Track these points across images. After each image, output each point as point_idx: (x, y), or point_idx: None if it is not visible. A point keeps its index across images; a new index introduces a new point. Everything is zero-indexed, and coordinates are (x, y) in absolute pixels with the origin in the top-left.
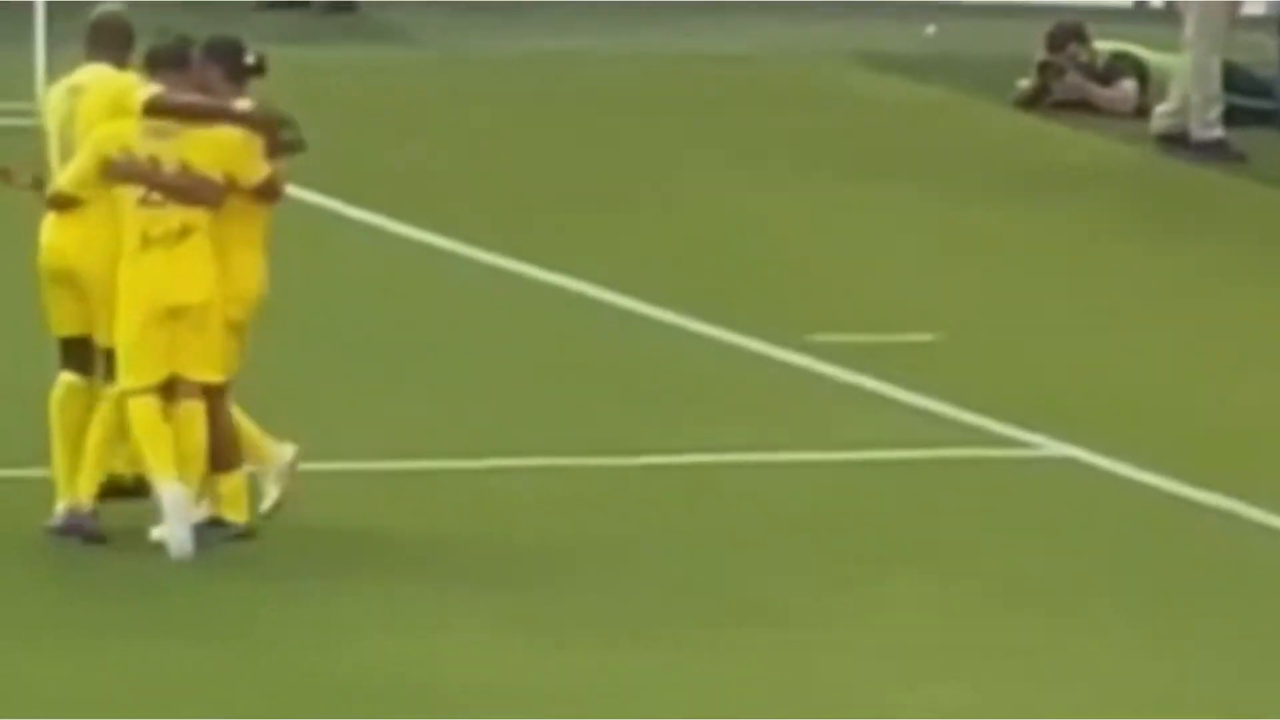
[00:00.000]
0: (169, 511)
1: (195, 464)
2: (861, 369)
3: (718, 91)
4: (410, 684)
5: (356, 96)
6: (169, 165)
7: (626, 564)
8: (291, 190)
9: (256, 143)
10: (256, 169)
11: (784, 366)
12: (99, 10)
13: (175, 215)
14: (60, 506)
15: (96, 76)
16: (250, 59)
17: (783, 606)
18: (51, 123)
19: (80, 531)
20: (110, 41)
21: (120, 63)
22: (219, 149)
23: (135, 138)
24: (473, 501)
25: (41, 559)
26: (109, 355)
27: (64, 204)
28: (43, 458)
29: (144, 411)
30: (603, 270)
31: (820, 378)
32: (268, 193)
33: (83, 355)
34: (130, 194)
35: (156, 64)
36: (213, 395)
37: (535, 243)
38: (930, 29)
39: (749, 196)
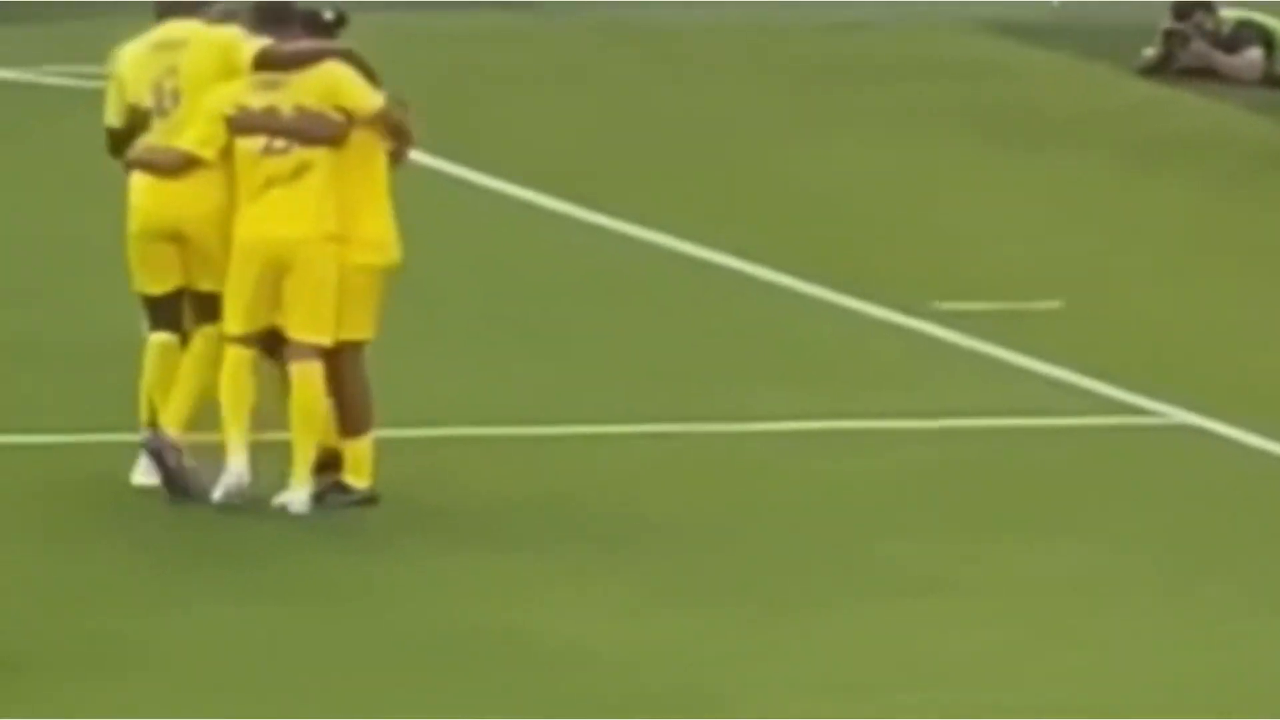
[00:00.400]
0: (226, 472)
1: (307, 426)
2: (988, 337)
3: (842, 58)
4: (525, 646)
5: (490, 64)
6: (285, 112)
7: (750, 531)
8: (421, 157)
9: (363, 76)
10: (370, 99)
11: (910, 334)
12: None
13: (294, 156)
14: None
15: (194, 33)
16: (329, 14)
17: (907, 575)
18: (140, 80)
19: (157, 455)
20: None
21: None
22: (328, 87)
23: (247, 92)
24: (594, 467)
25: (152, 523)
26: (202, 302)
27: (188, 166)
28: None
29: (235, 363)
30: (729, 238)
31: (947, 345)
32: (385, 126)
33: (174, 313)
34: (253, 146)
35: (263, 19)
36: (342, 357)
37: (662, 210)
38: None
39: (875, 164)
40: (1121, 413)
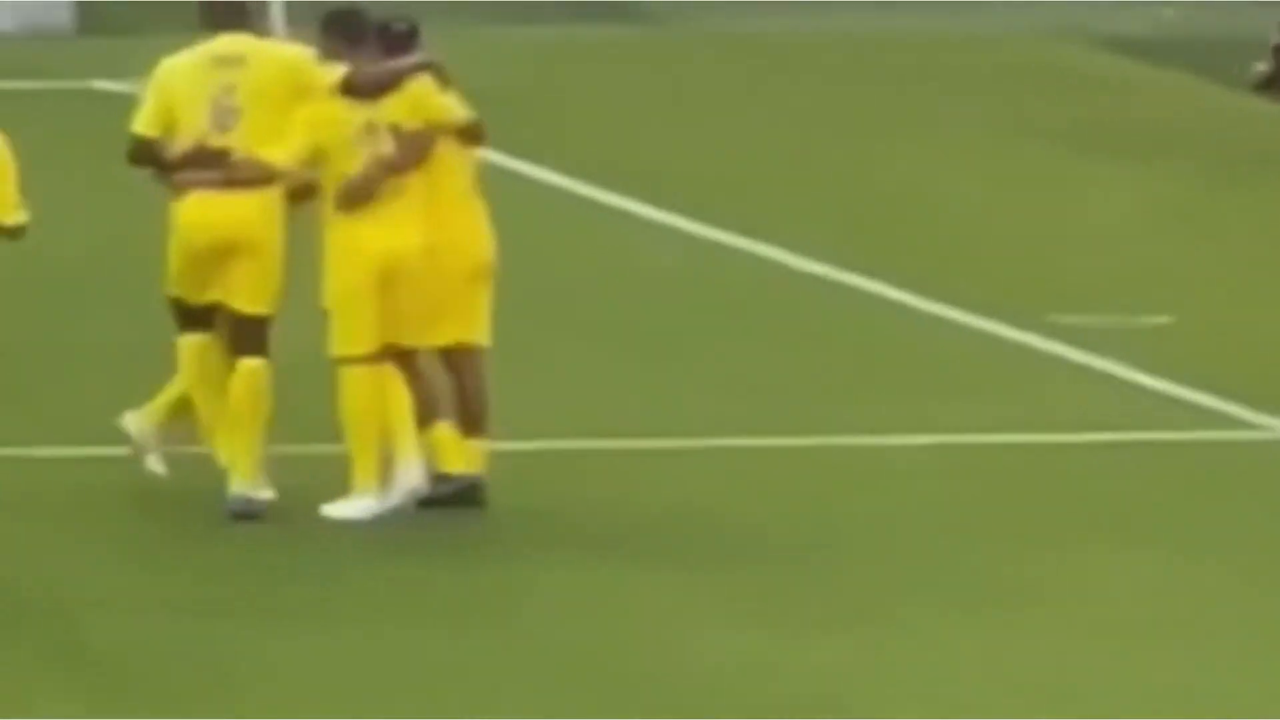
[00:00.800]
0: (352, 503)
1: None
2: (1100, 350)
3: (954, 71)
4: (650, 658)
5: (599, 75)
6: (382, 130)
7: (863, 544)
8: (529, 169)
9: (446, 88)
10: (456, 111)
11: (1023, 347)
12: None
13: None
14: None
15: (253, 49)
16: (402, 26)
17: (1018, 585)
18: (195, 96)
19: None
20: (236, 11)
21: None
22: (416, 103)
23: (344, 114)
24: (717, 479)
25: (277, 543)
26: (247, 326)
27: (268, 180)
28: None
29: (359, 385)
30: (841, 251)
31: (1059, 359)
32: (473, 134)
33: (209, 318)
34: (356, 164)
35: (337, 35)
36: (460, 361)
37: (772, 223)
38: (1167, 11)
39: (986, 177)
40: (1229, 427)
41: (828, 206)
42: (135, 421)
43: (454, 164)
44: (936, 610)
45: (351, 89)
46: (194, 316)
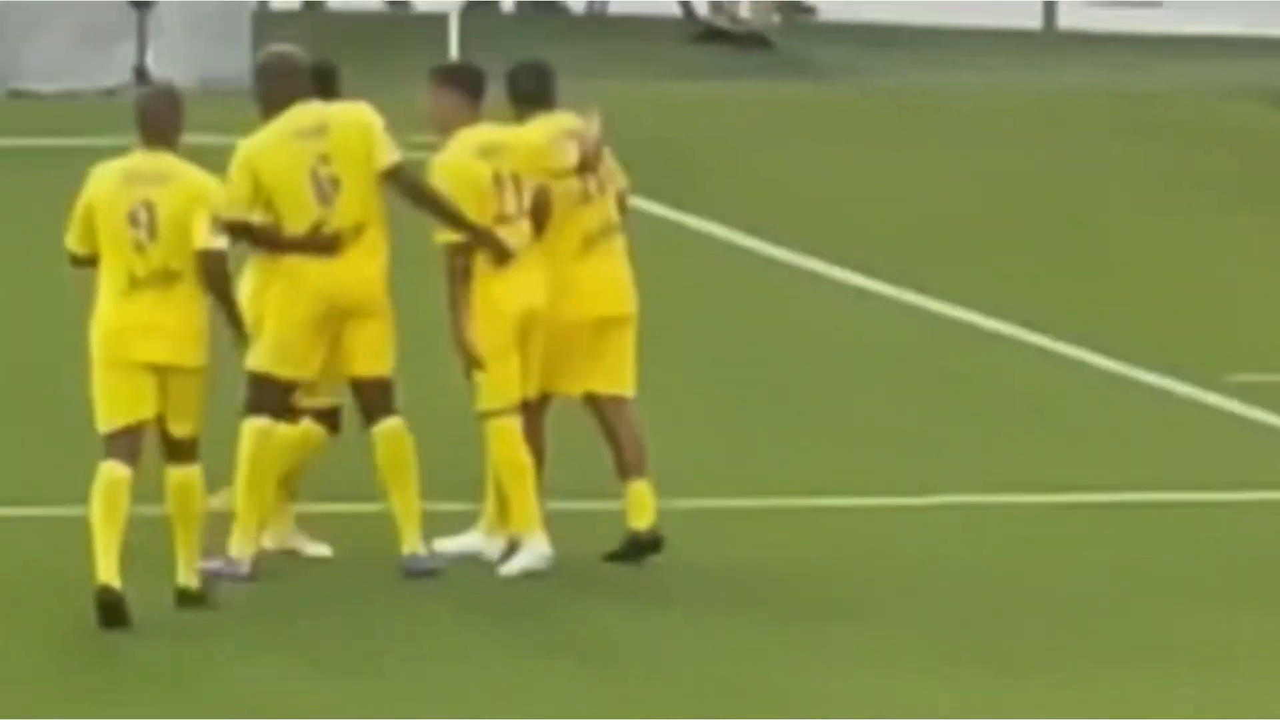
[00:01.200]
0: (526, 552)
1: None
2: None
3: (1132, 128)
4: (807, 709)
5: (768, 130)
6: (508, 182)
7: (1038, 601)
8: (700, 224)
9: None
10: (570, 155)
11: (1202, 406)
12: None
13: (526, 224)
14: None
15: (332, 113)
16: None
17: (1189, 642)
18: (294, 168)
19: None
20: (331, 76)
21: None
22: (538, 152)
23: (478, 169)
24: (887, 537)
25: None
26: (376, 388)
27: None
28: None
29: (510, 436)
30: (1019, 308)
31: (1239, 418)
32: (585, 167)
33: (290, 397)
34: (492, 217)
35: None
36: (603, 409)
37: (946, 278)
38: None
39: (1165, 234)
40: None
41: (1006, 264)
42: (271, 538)
43: (568, 209)
44: (1104, 663)
45: (587, 165)
46: (278, 395)
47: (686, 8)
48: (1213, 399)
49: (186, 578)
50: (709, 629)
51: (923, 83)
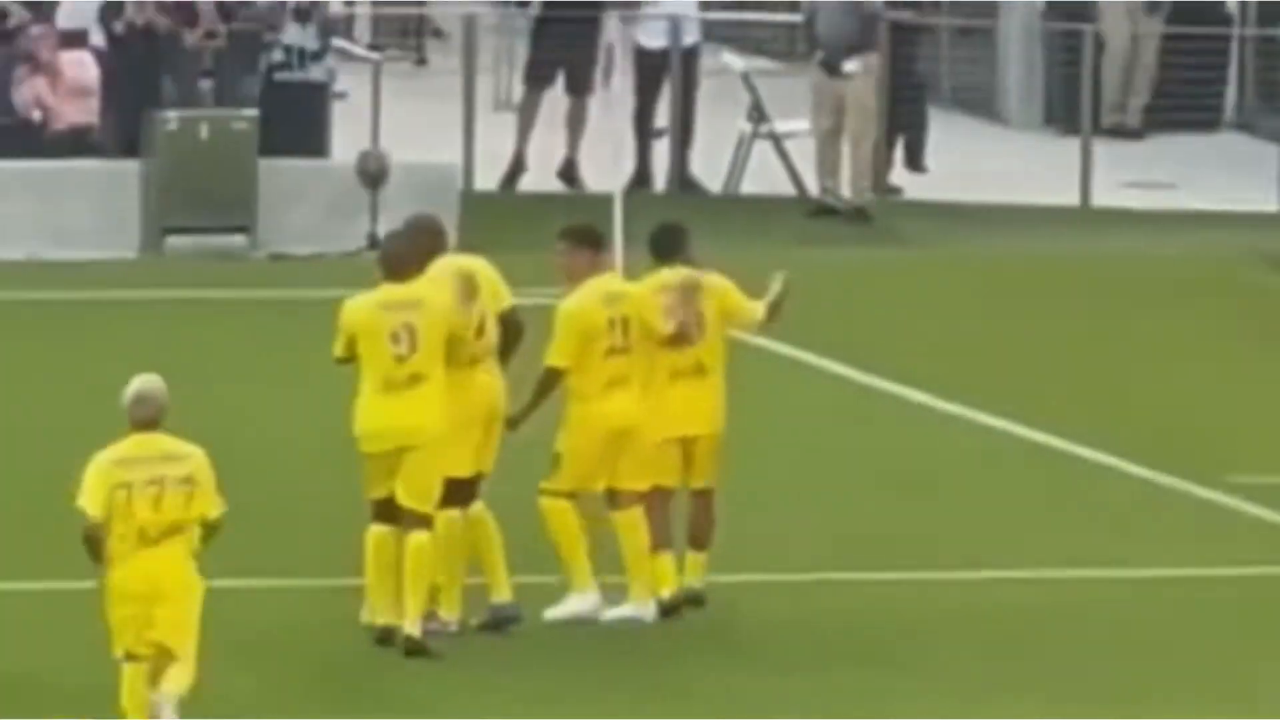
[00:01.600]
0: (573, 608)
1: (639, 565)
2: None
3: (1142, 285)
4: None
5: (858, 292)
6: (619, 324)
7: (1099, 668)
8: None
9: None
10: (667, 324)
11: (1208, 503)
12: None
13: (633, 354)
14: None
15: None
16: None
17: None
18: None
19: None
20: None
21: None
22: (644, 307)
23: (602, 312)
24: (967, 610)
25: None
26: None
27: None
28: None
29: (568, 514)
30: (1061, 422)
31: (1241, 513)
32: (677, 340)
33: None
34: (599, 349)
35: (580, 242)
36: (696, 502)
37: (1000, 397)
38: None
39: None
40: None
41: (1056, 391)
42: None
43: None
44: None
45: (682, 339)
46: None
47: (799, 188)
48: (1217, 496)
49: (412, 628)
50: (800, 686)
51: (998, 248)
